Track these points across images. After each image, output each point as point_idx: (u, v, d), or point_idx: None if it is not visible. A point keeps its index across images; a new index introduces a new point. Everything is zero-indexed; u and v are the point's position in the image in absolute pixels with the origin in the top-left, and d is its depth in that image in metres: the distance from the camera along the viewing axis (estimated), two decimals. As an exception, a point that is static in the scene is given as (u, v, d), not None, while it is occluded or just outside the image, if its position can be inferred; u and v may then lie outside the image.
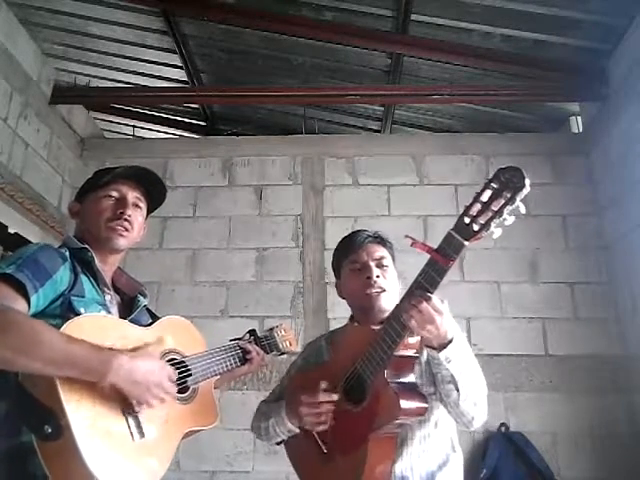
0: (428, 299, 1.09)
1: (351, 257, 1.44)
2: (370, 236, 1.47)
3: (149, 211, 1.42)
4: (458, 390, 1.20)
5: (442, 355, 1.16)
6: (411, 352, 1.24)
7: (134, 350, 1.16)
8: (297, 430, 1.34)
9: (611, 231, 2.98)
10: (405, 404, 1.16)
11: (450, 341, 1.16)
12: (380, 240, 1.47)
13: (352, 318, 1.50)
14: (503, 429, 2.79)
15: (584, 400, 2.82)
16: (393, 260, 1.47)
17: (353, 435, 1.24)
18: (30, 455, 1.00)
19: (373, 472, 1.20)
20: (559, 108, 3.43)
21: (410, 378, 1.24)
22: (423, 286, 1.12)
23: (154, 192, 1.41)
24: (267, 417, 1.41)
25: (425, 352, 1.32)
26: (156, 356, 1.18)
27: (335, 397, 1.27)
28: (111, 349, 1.08)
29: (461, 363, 1.19)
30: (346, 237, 1.51)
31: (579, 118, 3.41)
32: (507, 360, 2.90)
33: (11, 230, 2.76)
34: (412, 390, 1.22)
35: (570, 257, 3.06)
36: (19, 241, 2.75)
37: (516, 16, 2.69)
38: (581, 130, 3.37)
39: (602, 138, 3.04)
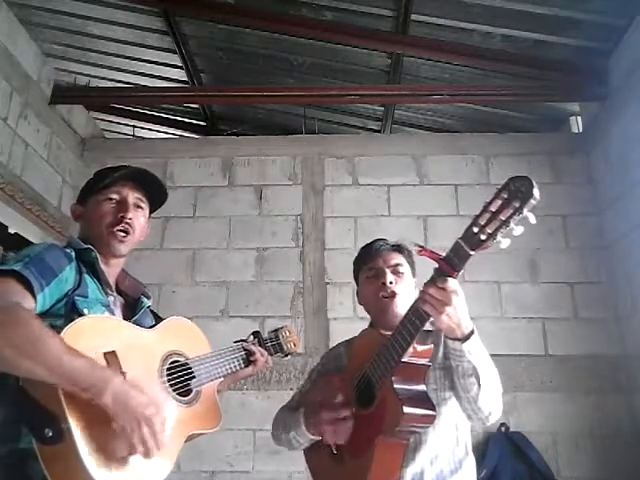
0: (442, 282, 1.08)
1: (368, 265, 1.48)
2: (387, 244, 1.50)
3: (151, 211, 1.42)
4: (479, 383, 1.19)
5: (466, 346, 1.15)
6: (422, 361, 1.24)
7: (137, 353, 1.15)
8: (319, 438, 1.35)
9: (611, 231, 2.98)
10: (409, 410, 1.16)
11: (472, 332, 1.16)
12: (397, 248, 1.49)
13: (372, 325, 1.51)
14: (503, 429, 2.79)
15: (584, 400, 2.83)
16: (412, 268, 1.48)
17: (362, 438, 1.25)
18: (29, 460, 0.99)
19: (378, 477, 1.20)
20: (559, 108, 3.43)
21: (420, 386, 1.23)
22: None
23: (155, 192, 1.40)
24: (287, 429, 1.43)
25: (440, 355, 1.33)
26: (156, 392, 1.14)
27: (352, 413, 1.26)
28: (111, 367, 1.06)
29: (481, 356, 1.19)
30: (365, 246, 1.54)
31: (579, 118, 3.41)
32: (507, 360, 2.89)
33: (11, 230, 2.75)
34: (419, 398, 1.22)
35: (570, 257, 3.06)
36: (19, 241, 2.75)
37: (516, 16, 2.69)
38: (581, 130, 3.37)
39: (602, 138, 3.04)
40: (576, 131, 3.43)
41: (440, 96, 3.16)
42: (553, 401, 2.84)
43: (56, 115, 3.26)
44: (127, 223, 1.30)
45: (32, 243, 2.78)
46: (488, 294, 3.03)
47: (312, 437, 1.36)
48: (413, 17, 2.79)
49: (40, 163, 3.07)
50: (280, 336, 1.59)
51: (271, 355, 1.54)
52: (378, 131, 3.91)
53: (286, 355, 1.61)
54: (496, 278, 3.05)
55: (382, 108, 3.66)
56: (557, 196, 3.15)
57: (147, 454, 1.01)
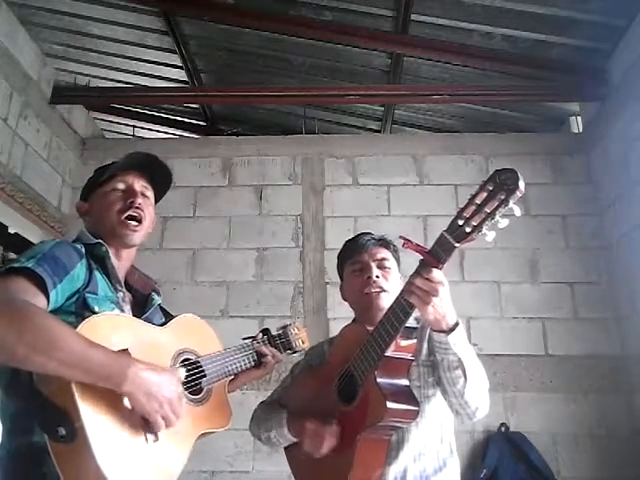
0: (428, 272, 1.07)
1: (353, 259, 1.46)
2: (373, 238, 1.48)
3: (157, 199, 1.41)
4: (465, 376, 1.17)
5: (451, 339, 1.14)
6: (405, 355, 1.23)
7: (149, 351, 1.15)
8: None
9: (611, 231, 2.98)
10: (392, 405, 1.15)
11: (457, 324, 1.15)
12: (383, 242, 1.47)
13: (355, 321, 1.49)
14: (503, 429, 2.79)
15: (584, 400, 2.83)
16: (398, 264, 1.47)
17: (344, 435, 1.24)
18: (42, 454, 0.98)
19: (361, 474, 1.19)
20: (559, 108, 3.43)
21: (403, 381, 1.22)
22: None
23: (159, 178, 1.39)
24: (268, 428, 1.43)
25: (424, 352, 1.33)
26: (171, 370, 1.14)
27: (337, 432, 1.26)
28: (128, 356, 1.06)
29: (466, 349, 1.19)
30: (349, 240, 1.52)
31: (579, 118, 3.41)
32: (507, 360, 2.89)
33: (11, 230, 2.76)
34: (403, 392, 1.21)
35: (570, 257, 3.06)
36: (19, 241, 2.75)
37: (516, 16, 2.68)
38: (581, 130, 3.37)
39: (602, 138, 3.04)
40: (576, 131, 3.43)
41: (440, 96, 3.16)
42: (553, 401, 2.84)
43: (56, 115, 3.26)
44: (137, 208, 1.28)
45: (32, 243, 2.78)
46: (488, 294, 3.02)
47: (293, 439, 1.36)
48: (413, 17, 2.79)
49: (40, 163, 3.07)
50: (289, 333, 1.58)
51: (280, 353, 1.52)
52: (378, 131, 3.91)
53: (294, 352, 1.60)
54: (496, 278, 3.05)
55: (382, 108, 3.66)
56: (557, 196, 3.16)
57: (170, 426, 1.05)
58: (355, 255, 1.45)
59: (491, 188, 1.00)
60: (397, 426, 1.21)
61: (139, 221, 1.29)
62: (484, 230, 1.01)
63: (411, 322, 1.24)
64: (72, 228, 3.01)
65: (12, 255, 2.74)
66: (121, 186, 1.31)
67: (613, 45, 2.81)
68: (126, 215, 1.27)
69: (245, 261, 3.19)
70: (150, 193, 1.37)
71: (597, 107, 3.08)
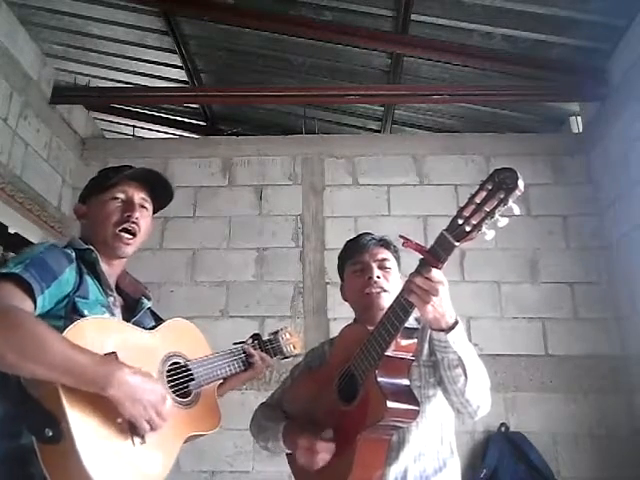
0: (427, 272, 1.07)
1: (354, 259, 1.46)
2: (374, 239, 1.48)
3: (155, 210, 1.41)
4: (466, 374, 1.17)
5: (450, 337, 1.14)
6: (406, 355, 1.23)
7: (137, 354, 1.15)
8: None
9: (611, 231, 2.98)
10: (392, 405, 1.15)
11: (456, 322, 1.15)
12: (384, 243, 1.47)
13: (355, 321, 1.49)
14: (503, 429, 2.79)
15: (584, 400, 2.83)
16: (398, 264, 1.47)
17: (344, 434, 1.24)
18: (30, 455, 0.99)
19: (361, 474, 1.19)
20: (559, 108, 3.43)
21: (403, 381, 1.23)
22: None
23: (159, 192, 1.39)
24: (265, 439, 1.44)
25: (425, 352, 1.33)
26: (156, 378, 1.15)
27: (332, 446, 1.25)
28: (114, 360, 1.06)
29: (466, 347, 1.19)
30: (351, 240, 1.53)
31: (579, 118, 3.41)
32: (507, 360, 2.89)
33: (11, 230, 2.76)
34: (403, 392, 1.21)
35: (570, 257, 3.06)
36: (19, 241, 2.75)
37: (516, 16, 2.69)
38: (581, 130, 3.37)
39: (602, 138, 3.04)
40: (576, 131, 3.43)
41: (440, 96, 3.16)
42: (553, 401, 2.84)
43: (56, 115, 3.26)
44: (134, 222, 1.29)
45: (32, 243, 2.78)
46: (488, 294, 3.02)
47: (289, 451, 1.37)
48: (413, 17, 2.79)
49: (40, 163, 3.07)
50: (280, 338, 1.58)
51: (271, 357, 1.53)
52: (378, 131, 3.91)
53: (285, 357, 1.60)
54: (496, 278, 3.05)
55: (382, 108, 3.66)
56: (557, 196, 3.16)
57: (155, 429, 1.07)
58: (356, 255, 1.46)
59: (490, 187, 1.00)
60: (397, 426, 1.21)
61: (133, 234, 1.30)
62: (484, 229, 1.01)
63: (412, 323, 1.24)
64: (72, 229, 3.01)
65: (12, 255, 2.74)
66: (121, 196, 1.31)
67: (613, 45, 2.81)
68: (121, 228, 1.28)
69: (245, 261, 3.19)
70: (149, 205, 1.37)
71: (597, 107, 3.08)
